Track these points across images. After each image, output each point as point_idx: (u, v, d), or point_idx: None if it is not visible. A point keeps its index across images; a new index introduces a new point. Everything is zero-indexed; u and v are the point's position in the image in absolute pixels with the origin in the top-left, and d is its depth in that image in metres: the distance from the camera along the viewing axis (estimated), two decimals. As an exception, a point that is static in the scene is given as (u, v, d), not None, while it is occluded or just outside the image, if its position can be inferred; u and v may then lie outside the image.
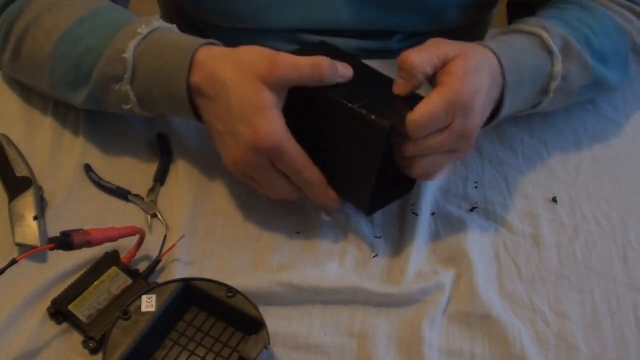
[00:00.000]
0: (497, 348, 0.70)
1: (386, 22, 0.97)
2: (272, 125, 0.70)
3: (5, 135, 0.85)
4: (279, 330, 0.70)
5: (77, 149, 0.86)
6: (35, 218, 0.77)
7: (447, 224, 0.80)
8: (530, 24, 0.81)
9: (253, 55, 0.73)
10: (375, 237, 0.79)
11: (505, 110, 0.77)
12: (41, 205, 0.79)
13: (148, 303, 0.68)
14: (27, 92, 0.92)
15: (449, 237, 0.79)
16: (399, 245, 0.78)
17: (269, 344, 0.66)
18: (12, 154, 0.83)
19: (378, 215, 0.80)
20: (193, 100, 0.76)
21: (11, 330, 0.70)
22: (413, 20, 0.97)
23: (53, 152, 0.86)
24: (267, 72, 0.71)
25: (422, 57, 0.71)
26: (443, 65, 0.72)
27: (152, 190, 0.82)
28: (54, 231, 0.78)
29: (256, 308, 0.68)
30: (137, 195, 0.82)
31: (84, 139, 0.87)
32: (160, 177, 0.84)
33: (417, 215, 0.80)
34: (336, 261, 0.76)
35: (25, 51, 0.83)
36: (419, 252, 0.77)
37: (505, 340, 0.70)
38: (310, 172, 0.73)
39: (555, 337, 0.71)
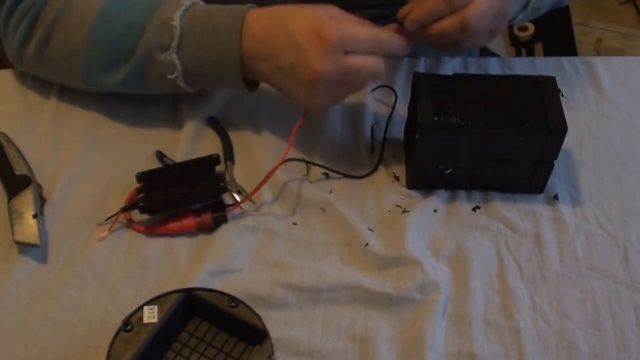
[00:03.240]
0: (497, 348, 0.70)
1: None
2: (331, 21, 0.73)
3: (4, 134, 0.85)
4: (281, 336, 0.70)
5: (76, 147, 0.86)
6: (34, 216, 0.76)
7: (449, 223, 0.80)
8: None
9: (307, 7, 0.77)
10: (369, 229, 0.79)
11: None
12: (40, 204, 0.79)
13: (150, 314, 0.67)
14: (26, 91, 0.92)
15: (450, 236, 0.79)
16: (393, 237, 0.78)
17: (272, 354, 0.66)
18: (11, 153, 0.82)
19: (369, 210, 0.81)
20: (245, 66, 0.79)
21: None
22: None
23: (52, 150, 0.86)
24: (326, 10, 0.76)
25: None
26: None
27: (227, 169, 0.84)
28: (53, 229, 0.78)
29: (259, 318, 0.68)
30: None
31: (84, 137, 0.87)
32: (230, 156, 0.85)
33: (408, 212, 0.80)
34: (333, 253, 0.76)
35: (57, 39, 0.83)
36: (414, 245, 0.77)
37: (505, 340, 0.70)
38: (385, 35, 0.77)
39: (556, 336, 0.71)
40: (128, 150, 0.86)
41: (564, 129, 0.76)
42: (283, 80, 0.77)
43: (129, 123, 0.89)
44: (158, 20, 0.79)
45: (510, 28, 1.93)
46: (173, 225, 0.77)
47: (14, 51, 0.87)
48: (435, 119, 0.76)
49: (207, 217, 0.77)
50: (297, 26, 0.74)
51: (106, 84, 0.84)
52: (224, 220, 0.78)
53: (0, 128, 0.86)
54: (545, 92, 0.79)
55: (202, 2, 0.82)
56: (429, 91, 0.79)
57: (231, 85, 0.82)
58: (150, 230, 0.78)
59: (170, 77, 0.81)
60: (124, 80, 0.82)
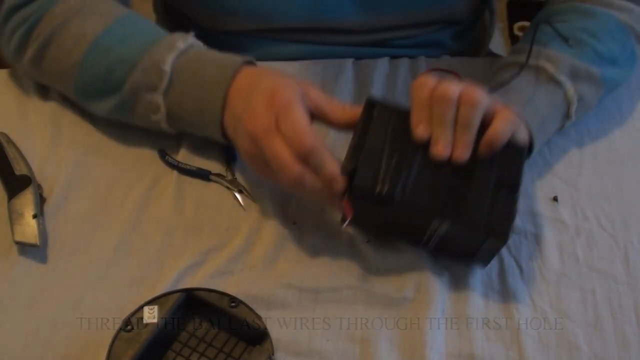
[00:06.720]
0: (497, 348, 0.70)
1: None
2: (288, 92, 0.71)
3: (4, 134, 0.85)
4: (281, 336, 0.70)
5: (76, 147, 0.86)
6: (34, 216, 0.77)
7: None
8: (534, 55, 0.82)
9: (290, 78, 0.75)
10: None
11: (536, 148, 0.79)
12: (40, 204, 0.79)
13: (150, 314, 0.67)
14: (26, 90, 0.92)
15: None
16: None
17: (273, 354, 0.66)
18: (11, 153, 0.82)
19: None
20: (224, 120, 0.77)
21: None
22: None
23: (52, 150, 0.86)
24: (301, 85, 0.73)
25: None
26: None
27: (230, 169, 0.83)
28: (53, 229, 0.78)
29: (259, 318, 0.68)
30: (218, 175, 0.83)
31: (84, 137, 0.87)
32: (234, 156, 0.85)
33: None
34: (334, 251, 0.76)
35: (50, 57, 0.83)
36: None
37: (505, 340, 0.70)
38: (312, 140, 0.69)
39: (557, 337, 0.71)
40: (129, 150, 0.86)
41: (503, 240, 0.69)
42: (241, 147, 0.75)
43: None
44: (149, 60, 0.78)
45: (510, 28, 1.93)
46: None
47: (10, 56, 0.87)
48: (371, 188, 0.68)
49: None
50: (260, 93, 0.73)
51: (96, 109, 0.84)
52: None
53: (0, 128, 0.86)
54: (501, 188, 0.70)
55: (199, 45, 0.81)
56: (380, 136, 0.70)
57: (213, 135, 0.80)
58: None
59: (153, 117, 0.80)
60: (112, 109, 0.82)
